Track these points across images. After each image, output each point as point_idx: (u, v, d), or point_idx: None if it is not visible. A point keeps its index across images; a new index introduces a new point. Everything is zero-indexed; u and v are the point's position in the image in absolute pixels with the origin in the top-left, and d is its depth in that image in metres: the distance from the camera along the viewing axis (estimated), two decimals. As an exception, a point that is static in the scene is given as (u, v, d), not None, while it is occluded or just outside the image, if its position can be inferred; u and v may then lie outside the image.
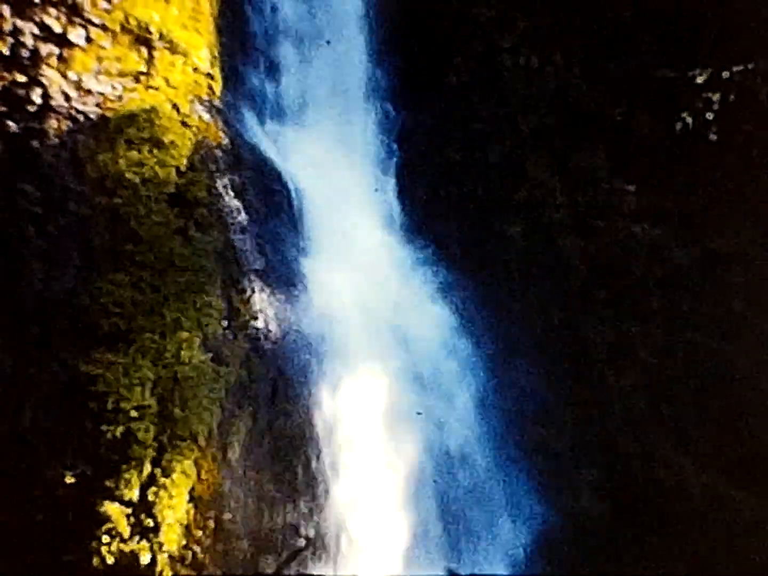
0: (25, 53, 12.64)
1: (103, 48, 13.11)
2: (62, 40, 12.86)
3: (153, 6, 13.58)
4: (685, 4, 16.45)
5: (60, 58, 12.82)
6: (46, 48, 12.77)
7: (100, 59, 13.06)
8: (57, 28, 12.83)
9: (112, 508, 11.87)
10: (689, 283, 16.81)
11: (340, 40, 16.54)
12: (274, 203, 14.38)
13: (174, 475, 12.29)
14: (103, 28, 13.15)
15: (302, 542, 13.33)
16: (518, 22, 17.38)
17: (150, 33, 13.48)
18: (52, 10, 12.87)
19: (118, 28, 13.23)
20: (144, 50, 13.47)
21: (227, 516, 12.84)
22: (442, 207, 16.91)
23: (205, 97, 13.97)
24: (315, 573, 13.46)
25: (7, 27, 12.64)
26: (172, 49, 13.70)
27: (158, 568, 12.09)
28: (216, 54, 14.43)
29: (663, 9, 16.54)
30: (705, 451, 16.13)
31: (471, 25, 17.42)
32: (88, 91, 12.95)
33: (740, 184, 16.51)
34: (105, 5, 13.18)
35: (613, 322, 16.69)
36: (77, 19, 12.98)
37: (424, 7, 17.45)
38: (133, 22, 13.36)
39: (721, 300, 16.71)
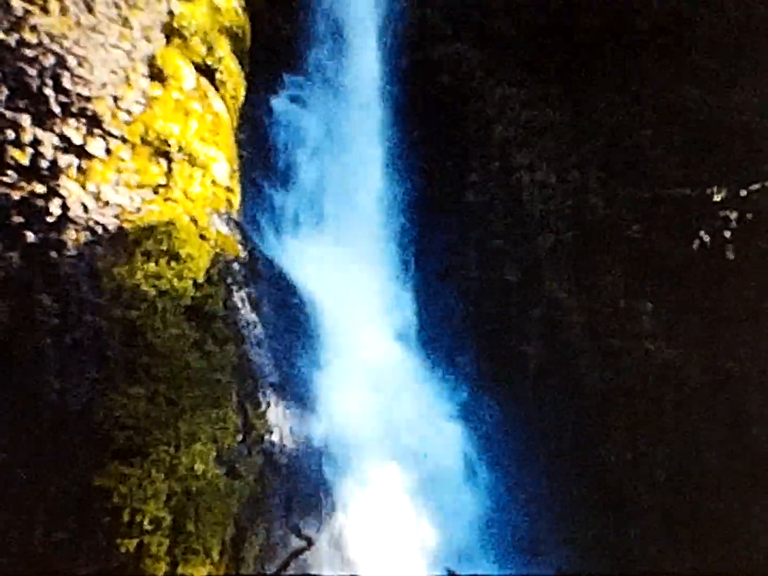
0: (44, 164, 13.13)
1: (122, 160, 13.62)
2: (82, 152, 13.37)
3: (173, 118, 14.21)
4: (702, 124, 17.48)
5: (79, 169, 13.31)
6: (65, 159, 13.27)
7: (119, 171, 13.56)
8: (77, 140, 13.36)
9: (124, 623, 11.82)
10: (705, 404, 17.14)
11: (358, 155, 17.35)
12: (290, 317, 14.73)
13: (186, 590, 12.30)
14: (123, 140, 13.71)
15: (302, 543, 13.35)
16: (535, 141, 18.29)
17: (169, 145, 14.04)
18: (72, 122, 13.43)
19: (137, 141, 13.80)
20: (163, 162, 14.02)
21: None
22: (458, 324, 17.38)
23: (223, 209, 14.49)
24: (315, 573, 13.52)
25: (27, 137, 13.16)
26: (191, 161, 14.27)
27: None
28: (234, 167, 15.02)
29: (681, 128, 17.53)
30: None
31: (488, 143, 18.33)
32: (107, 203, 13.39)
33: (757, 303, 17.05)
34: (125, 117, 13.78)
35: (630, 443, 16.97)
36: (97, 131, 13.53)
37: (442, 125, 18.42)
38: (152, 135, 13.94)
39: (737, 423, 17.04)
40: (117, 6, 14.16)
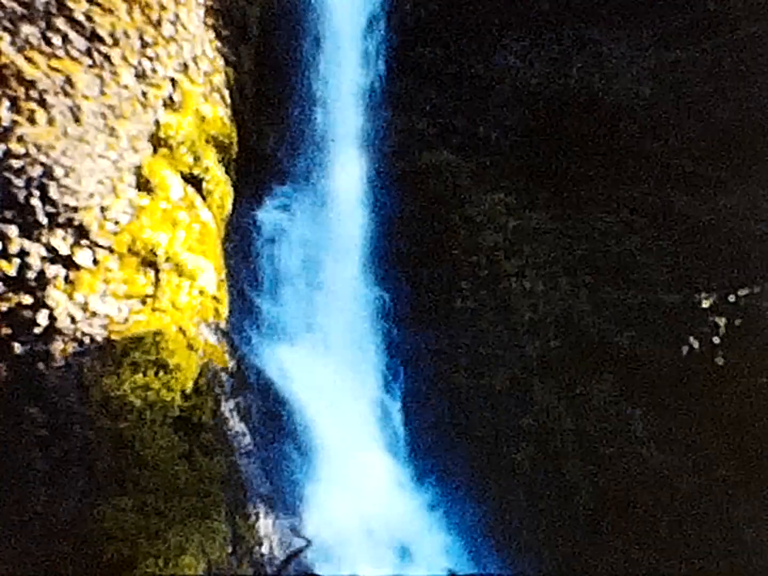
0: (31, 275, 13.71)
1: (109, 270, 14.27)
2: (69, 262, 14.00)
3: (160, 228, 14.94)
4: (690, 229, 18.44)
5: (66, 279, 13.91)
6: (52, 270, 13.89)
7: (106, 281, 14.21)
8: (64, 250, 14.01)
9: None
10: (697, 511, 17.72)
11: (346, 264, 18.17)
12: (279, 427, 15.29)
13: None
14: (110, 250, 14.38)
15: (302, 542, 13.58)
16: (524, 247, 19.23)
17: (156, 255, 14.75)
18: (60, 232, 14.10)
19: (125, 251, 14.48)
20: (151, 273, 14.71)
21: None
22: (447, 431, 17.97)
23: (210, 319, 15.15)
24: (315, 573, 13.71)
25: (14, 248, 13.79)
26: (179, 271, 14.97)
27: None
28: (222, 276, 15.70)
29: (669, 233, 18.51)
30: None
31: (477, 250, 19.21)
32: (94, 314, 14.00)
33: (746, 410, 17.78)
34: (112, 228, 14.47)
35: (621, 552, 17.43)
36: (84, 241, 14.19)
37: (430, 232, 19.33)
38: (140, 245, 14.65)
39: (729, 529, 17.60)
40: (104, 116, 14.98)
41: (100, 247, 14.30)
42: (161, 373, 14.03)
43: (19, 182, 13.73)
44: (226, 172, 16.89)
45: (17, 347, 13.40)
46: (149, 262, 14.66)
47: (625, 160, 19.18)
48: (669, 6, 20.01)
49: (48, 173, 13.92)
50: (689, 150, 18.96)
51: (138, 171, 15.10)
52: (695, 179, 18.76)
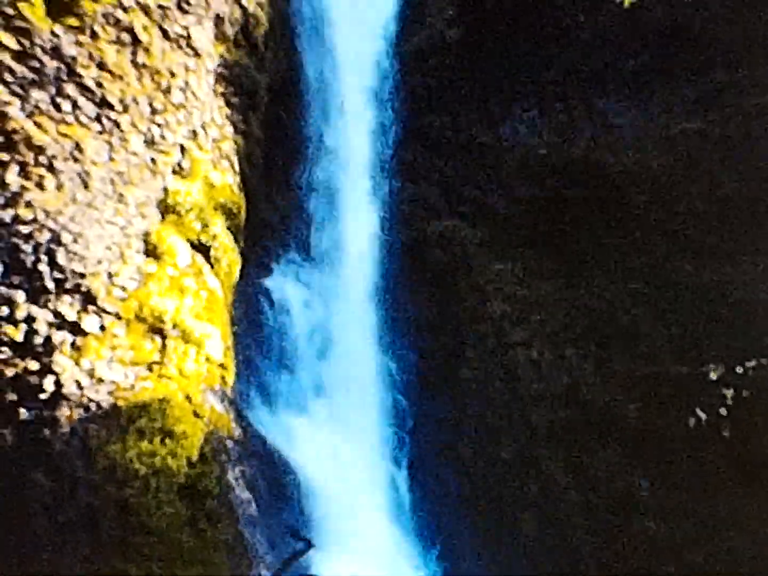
0: (38, 340, 14.03)
1: (116, 336, 14.62)
2: (76, 328, 14.34)
3: (167, 295, 15.32)
4: (697, 299, 18.85)
5: (73, 345, 14.26)
6: (59, 335, 14.23)
7: (113, 347, 14.55)
8: (71, 316, 14.35)
9: None
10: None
11: (353, 332, 18.57)
12: (284, 495, 15.54)
13: None
14: (117, 316, 14.74)
15: (302, 544, 13.65)
16: (531, 316, 19.63)
17: (164, 322, 15.11)
18: (67, 298, 14.45)
19: (132, 317, 14.84)
20: (158, 339, 15.06)
21: None
22: (453, 501, 18.22)
23: (217, 386, 15.46)
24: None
25: (21, 314, 14.13)
26: (186, 338, 15.32)
27: None
28: (229, 343, 16.05)
29: (676, 304, 18.89)
30: None
31: (483, 319, 19.61)
32: (101, 380, 14.31)
33: (755, 481, 18.00)
34: (120, 294, 14.86)
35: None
36: (91, 307, 14.55)
37: (437, 301, 19.77)
38: (147, 312, 15.02)
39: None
40: (112, 182, 15.40)
41: (108, 313, 14.65)
42: (167, 441, 14.30)
43: (27, 248, 14.06)
44: (235, 240, 17.30)
45: (23, 413, 13.67)
46: (156, 329, 15.00)
47: (633, 230, 19.63)
48: (677, 76, 20.57)
49: (56, 239, 14.26)
50: (697, 220, 19.39)
51: (146, 237, 15.51)
52: (703, 249, 19.18)
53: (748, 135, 19.68)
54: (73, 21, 15.09)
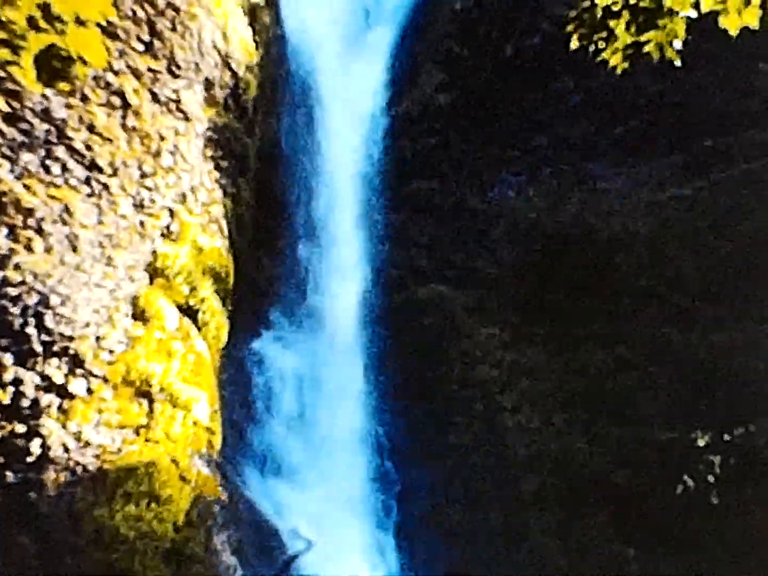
0: (25, 403, 14.32)
1: (103, 399, 14.94)
2: (63, 391, 14.66)
3: (155, 359, 15.70)
4: (686, 366, 19.33)
5: (60, 408, 14.60)
6: (46, 398, 14.54)
7: (100, 411, 14.88)
8: (58, 379, 14.69)
9: None
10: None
11: (343, 396, 18.99)
12: (272, 560, 15.81)
13: None
14: (105, 380, 15.09)
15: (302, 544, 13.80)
16: (519, 382, 20.07)
17: (151, 386, 15.45)
18: (54, 361, 14.80)
19: (119, 380, 15.19)
20: (145, 403, 15.42)
21: None
22: (441, 568, 18.51)
23: (204, 450, 15.76)
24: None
25: (9, 376, 14.48)
26: (173, 402, 15.67)
27: None
28: (216, 407, 16.39)
29: (664, 370, 19.36)
30: None
31: (471, 384, 20.02)
32: (87, 443, 14.64)
33: (741, 549, 18.31)
34: (107, 357, 15.24)
35: None
36: (79, 371, 14.90)
37: (425, 366, 20.21)
38: (134, 375, 15.38)
39: None
40: (101, 245, 15.81)
41: (95, 376, 15.01)
42: (153, 505, 14.60)
43: (15, 310, 14.38)
44: (223, 303, 17.72)
45: (10, 476, 13.90)
46: (143, 392, 15.37)
47: (621, 296, 20.09)
48: (666, 142, 21.20)
49: (44, 302, 14.60)
50: (686, 286, 19.87)
51: (134, 301, 15.91)
52: (692, 316, 19.64)
53: (737, 202, 20.27)
54: (63, 85, 15.62)
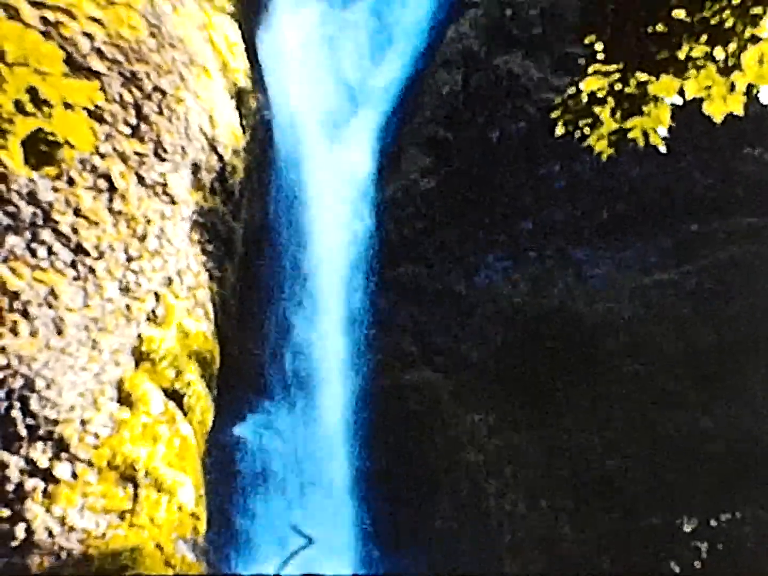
0: (10, 487, 14.62)
1: (88, 484, 15.36)
2: (48, 475, 15.07)
3: (140, 443, 16.18)
4: (672, 451, 19.91)
5: (45, 492, 14.95)
6: (31, 482, 14.91)
7: (85, 495, 15.29)
8: (43, 463, 15.12)
9: None
10: None
11: (329, 481, 19.51)
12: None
13: None
14: (89, 464, 15.53)
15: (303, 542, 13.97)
16: (505, 467, 20.57)
17: (136, 470, 15.88)
18: (39, 445, 15.23)
19: (104, 465, 15.61)
20: (129, 487, 15.83)
21: None
22: None
23: (189, 536, 16.18)
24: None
25: (-6, 463, 15.07)
26: (158, 486, 16.10)
27: None
28: (201, 492, 16.79)
29: (650, 455, 19.96)
30: None
31: (457, 469, 20.51)
32: (72, 527, 15.00)
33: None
34: (92, 441, 15.70)
35: None
36: (64, 455, 15.33)
37: (411, 451, 20.72)
38: (119, 459, 15.84)
39: None
40: (87, 328, 16.35)
41: (80, 460, 15.44)
42: None
43: (0, 394, 14.89)
44: (208, 387, 18.19)
45: (-6, 560, 14.44)
46: (128, 477, 15.80)
47: (607, 380, 20.67)
48: (651, 227, 21.96)
49: (29, 385, 15.05)
50: (671, 370, 20.48)
51: (119, 384, 16.42)
52: (677, 400, 20.23)
53: (722, 286, 21.02)
54: (50, 169, 16.29)
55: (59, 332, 15.91)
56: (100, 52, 17.76)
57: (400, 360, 21.82)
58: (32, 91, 10.57)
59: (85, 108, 11.40)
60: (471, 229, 22.78)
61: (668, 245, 21.77)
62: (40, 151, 16.06)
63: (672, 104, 8.78)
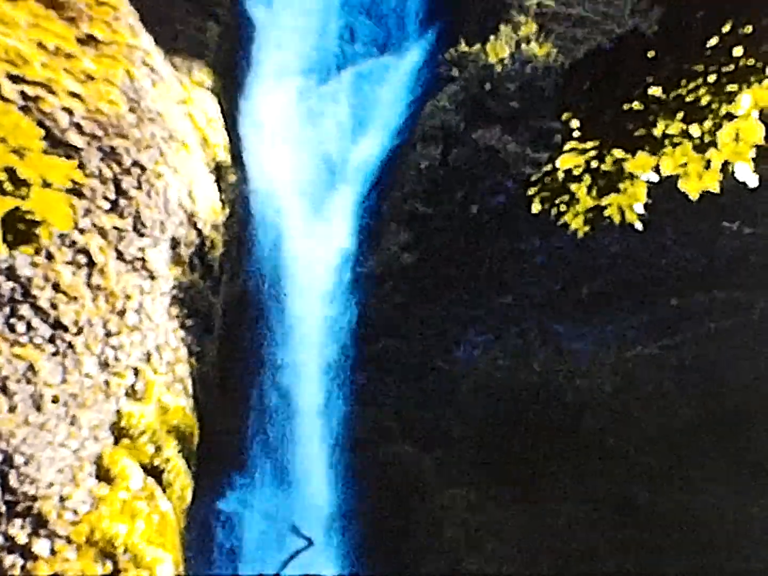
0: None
1: (67, 560, 15.56)
2: (26, 551, 15.36)
3: (119, 519, 16.42)
4: (653, 526, 20.25)
5: (23, 569, 15.17)
6: (9, 559, 15.15)
7: (64, 571, 15.52)
8: (22, 539, 15.43)
9: None
10: None
11: (306, 563, 19.79)
12: None
13: None
14: (68, 540, 15.77)
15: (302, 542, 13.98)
16: (485, 543, 20.75)
17: (115, 547, 16.12)
18: (18, 521, 15.52)
19: (83, 541, 15.87)
20: (109, 564, 15.93)
21: None
22: None
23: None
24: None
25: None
26: (137, 563, 16.26)
27: None
28: (181, 570, 17.03)
29: (631, 530, 20.29)
30: None
31: (437, 546, 20.78)
32: None
33: None
34: (71, 517, 15.95)
35: None
36: (42, 531, 15.67)
37: (391, 525, 21.05)
38: (98, 535, 16.09)
39: None
40: (66, 404, 16.64)
41: (59, 536, 15.70)
42: None
43: (-20, 467, 15.30)
44: (187, 462, 18.47)
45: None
46: (108, 553, 16.05)
47: (588, 456, 21.02)
48: (631, 302, 22.47)
49: (8, 461, 15.30)
50: (652, 446, 20.87)
51: (98, 460, 16.72)
52: (659, 476, 20.61)
53: (703, 361, 21.52)
54: (28, 248, 16.68)
55: (38, 408, 16.20)
56: (79, 127, 18.23)
57: (381, 435, 22.10)
58: (10, 171, 10.64)
59: (63, 184, 11.49)
60: (451, 304, 23.19)
61: (648, 320, 22.26)
62: (18, 230, 16.45)
63: (649, 181, 8.84)
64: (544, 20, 26.24)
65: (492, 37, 25.52)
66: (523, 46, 25.47)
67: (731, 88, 8.36)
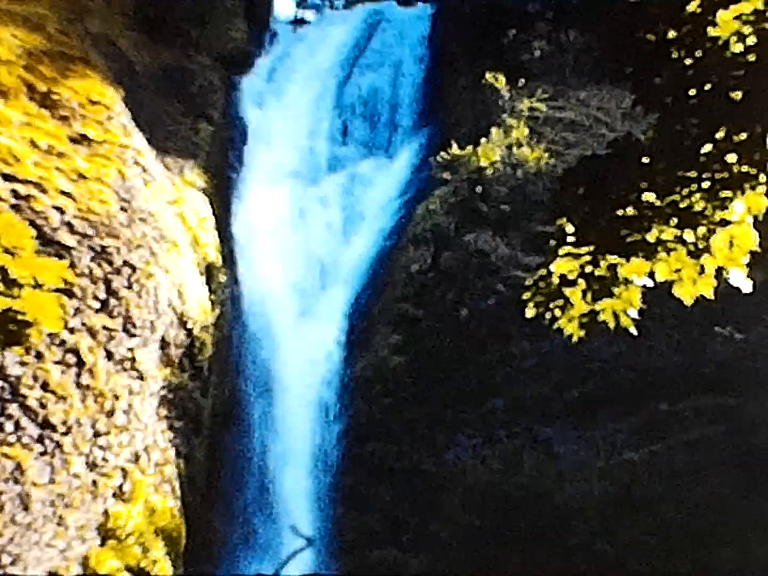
0: None
1: None
2: None
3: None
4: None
5: None
6: None
7: None
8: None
9: None
10: None
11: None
12: None
13: None
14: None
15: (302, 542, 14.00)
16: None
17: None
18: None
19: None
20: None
21: None
22: None
23: None
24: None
25: None
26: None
27: None
28: None
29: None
30: None
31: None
32: None
33: None
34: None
35: None
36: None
37: None
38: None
39: None
40: (53, 504, 16.94)
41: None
42: None
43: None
44: (174, 565, 18.69)
45: None
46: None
47: (577, 561, 21.38)
48: (621, 406, 23.00)
49: (-6, 559, 15.91)
50: (641, 551, 21.24)
51: (85, 561, 16.99)
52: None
53: (693, 466, 22.01)
54: (19, 349, 17.23)
55: (25, 508, 16.48)
56: (70, 226, 18.75)
57: (368, 539, 22.39)
58: (2, 270, 10.90)
59: (54, 285, 11.79)
60: (440, 408, 23.54)
61: (638, 424, 22.69)
62: (9, 330, 17.01)
63: (643, 285, 9.00)
64: (536, 124, 27.08)
65: (483, 141, 26.18)
66: (515, 149, 26.15)
67: (725, 194, 8.61)
